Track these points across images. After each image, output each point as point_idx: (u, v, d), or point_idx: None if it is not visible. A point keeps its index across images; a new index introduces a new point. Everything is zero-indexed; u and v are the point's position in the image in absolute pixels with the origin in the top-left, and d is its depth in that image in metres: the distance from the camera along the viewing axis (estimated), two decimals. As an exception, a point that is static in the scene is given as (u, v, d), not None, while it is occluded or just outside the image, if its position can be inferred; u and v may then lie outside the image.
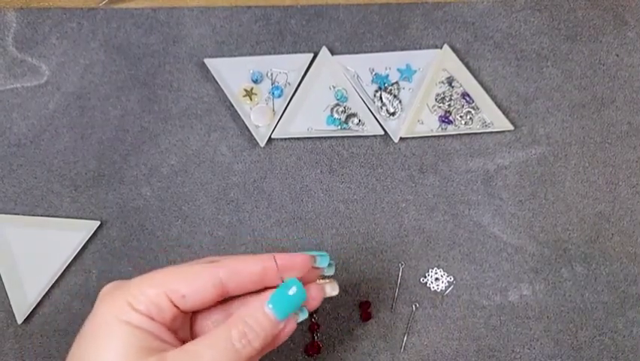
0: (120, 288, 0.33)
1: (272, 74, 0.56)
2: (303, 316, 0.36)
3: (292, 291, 0.34)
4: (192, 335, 0.36)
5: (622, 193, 0.55)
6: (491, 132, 0.56)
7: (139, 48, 0.56)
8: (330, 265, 0.38)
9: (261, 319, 0.34)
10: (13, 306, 0.51)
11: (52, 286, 0.52)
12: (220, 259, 0.35)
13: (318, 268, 0.37)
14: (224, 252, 0.53)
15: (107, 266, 0.53)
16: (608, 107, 0.57)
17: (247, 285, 0.35)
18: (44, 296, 0.52)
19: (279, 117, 0.55)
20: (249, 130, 0.55)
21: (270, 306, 0.34)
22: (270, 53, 0.56)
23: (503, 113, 0.55)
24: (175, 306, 0.33)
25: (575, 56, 0.58)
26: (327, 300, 0.53)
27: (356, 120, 0.55)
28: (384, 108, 0.56)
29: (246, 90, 0.56)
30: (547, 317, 0.53)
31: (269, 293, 0.34)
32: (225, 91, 0.55)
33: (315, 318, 0.52)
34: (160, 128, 0.55)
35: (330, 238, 0.54)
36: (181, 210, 0.54)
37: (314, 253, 0.37)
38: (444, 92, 0.56)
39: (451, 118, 0.56)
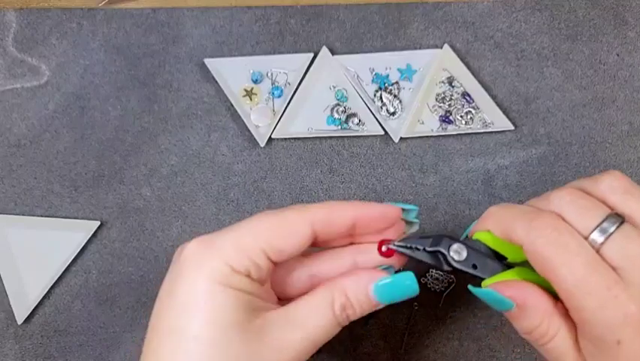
0: (211, 247, 0.30)
1: (272, 74, 0.56)
2: None
3: (405, 285, 0.32)
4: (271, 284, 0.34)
5: (622, 193, 0.55)
6: (492, 132, 0.56)
7: (139, 48, 0.56)
8: (416, 219, 0.36)
9: (364, 300, 0.32)
10: (13, 306, 0.51)
11: (53, 287, 0.52)
12: (310, 207, 0.32)
13: (406, 221, 0.36)
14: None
15: (107, 266, 0.53)
16: (608, 107, 0.57)
17: (335, 237, 0.34)
18: (44, 297, 0.52)
19: (279, 117, 0.55)
20: (249, 130, 0.55)
21: (375, 295, 0.32)
22: (270, 53, 0.56)
23: (504, 112, 0.55)
24: (272, 262, 0.31)
25: (575, 55, 0.58)
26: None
27: (356, 120, 0.55)
28: (384, 108, 0.56)
29: (246, 90, 0.55)
30: (548, 317, 0.53)
31: (375, 275, 0.33)
32: (225, 91, 0.55)
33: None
34: (160, 129, 0.55)
35: (331, 238, 0.54)
36: (181, 211, 0.54)
37: (403, 205, 0.35)
38: (444, 92, 0.56)
39: (451, 118, 0.56)
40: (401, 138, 0.55)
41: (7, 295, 0.51)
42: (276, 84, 0.56)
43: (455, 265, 0.33)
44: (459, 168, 0.55)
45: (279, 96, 0.56)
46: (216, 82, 0.55)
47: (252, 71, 0.56)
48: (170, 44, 0.57)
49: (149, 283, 0.53)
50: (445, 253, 0.33)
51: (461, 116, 0.56)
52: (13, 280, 0.52)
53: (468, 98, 0.56)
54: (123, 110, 0.55)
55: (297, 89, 0.56)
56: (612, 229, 0.29)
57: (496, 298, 0.32)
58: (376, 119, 0.55)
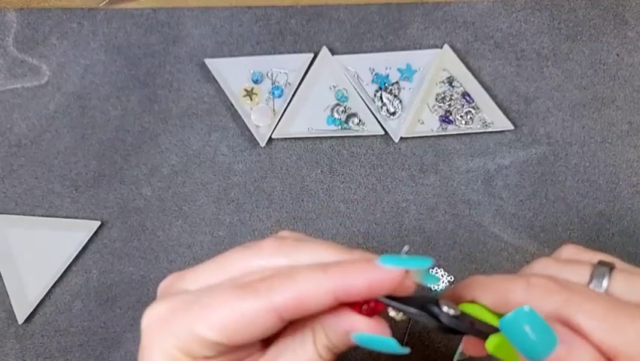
0: (167, 329, 0.27)
1: (272, 74, 0.56)
2: None
3: (387, 345, 0.27)
4: None
5: (622, 193, 0.55)
6: (492, 132, 0.56)
7: (139, 48, 0.56)
8: (434, 277, 0.30)
9: (346, 342, 0.28)
10: (13, 306, 0.51)
11: (53, 286, 0.52)
12: (276, 291, 0.25)
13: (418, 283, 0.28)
14: (224, 251, 0.53)
15: (108, 266, 0.53)
16: (608, 107, 0.57)
17: (311, 314, 0.27)
18: (45, 296, 0.52)
19: (279, 117, 0.55)
20: (249, 130, 0.55)
21: (358, 342, 0.27)
22: (270, 53, 0.57)
23: (504, 112, 0.55)
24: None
25: (575, 55, 0.58)
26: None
27: (356, 120, 0.56)
28: (384, 108, 0.56)
29: (246, 90, 0.56)
30: (548, 316, 0.53)
31: (355, 324, 0.27)
32: (226, 91, 0.55)
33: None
34: (160, 129, 0.55)
35: (330, 238, 0.54)
36: (181, 210, 0.54)
37: (409, 262, 0.26)
38: (444, 92, 0.56)
39: (451, 118, 0.56)
40: (401, 138, 0.55)
41: (7, 295, 0.51)
42: (277, 84, 0.56)
43: (451, 320, 0.28)
44: (459, 168, 0.55)
45: (280, 96, 0.56)
46: (217, 82, 0.55)
47: (252, 71, 0.56)
48: (170, 44, 0.57)
49: (149, 282, 0.53)
50: (437, 308, 0.28)
51: (461, 116, 0.56)
52: (13, 280, 0.52)
53: (468, 98, 0.56)
54: (123, 110, 0.55)
55: (297, 89, 0.56)
56: (605, 278, 0.28)
57: (541, 327, 0.25)
58: (376, 119, 0.55)
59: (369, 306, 0.27)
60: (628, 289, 0.27)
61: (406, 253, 0.27)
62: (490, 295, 0.29)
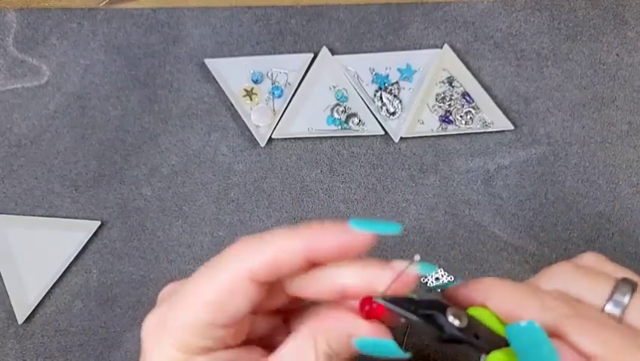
0: (163, 330, 0.28)
1: (272, 74, 0.56)
2: None
3: (388, 349, 0.27)
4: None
5: (622, 193, 0.55)
6: (491, 132, 0.56)
7: (139, 48, 0.56)
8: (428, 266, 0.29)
9: (348, 349, 0.27)
10: (13, 306, 0.51)
11: (53, 286, 0.52)
12: (246, 256, 0.26)
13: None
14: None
15: (108, 266, 0.53)
16: (608, 107, 0.57)
17: (292, 276, 0.28)
18: (45, 296, 0.52)
19: (279, 117, 0.55)
20: (249, 130, 0.55)
21: (359, 348, 0.27)
22: (270, 53, 0.57)
23: (503, 112, 0.55)
24: (230, 326, 0.27)
25: (575, 55, 0.58)
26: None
27: (356, 120, 0.56)
28: (384, 108, 0.56)
29: (246, 90, 0.56)
30: (548, 316, 0.53)
31: (356, 329, 0.27)
32: (225, 91, 0.55)
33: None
34: (160, 129, 0.55)
35: (331, 237, 0.54)
36: (181, 210, 0.54)
37: (380, 227, 0.27)
38: (444, 92, 0.57)
39: (451, 118, 0.56)
40: (401, 138, 0.55)
41: (7, 295, 0.51)
42: (277, 84, 0.56)
43: (455, 332, 0.27)
44: (459, 168, 0.55)
45: (280, 96, 0.56)
46: (216, 82, 0.55)
47: (252, 71, 0.56)
48: (170, 44, 0.57)
49: (149, 282, 0.53)
50: (443, 317, 0.27)
51: (461, 116, 0.56)
52: (13, 280, 0.52)
53: (468, 98, 0.56)
54: (123, 110, 0.55)
55: (297, 89, 0.56)
56: (627, 297, 0.27)
57: (547, 347, 0.26)
58: (376, 119, 0.55)
59: (371, 307, 0.27)
60: None
61: (418, 261, 0.27)
62: (502, 305, 0.28)
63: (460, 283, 0.30)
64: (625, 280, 0.28)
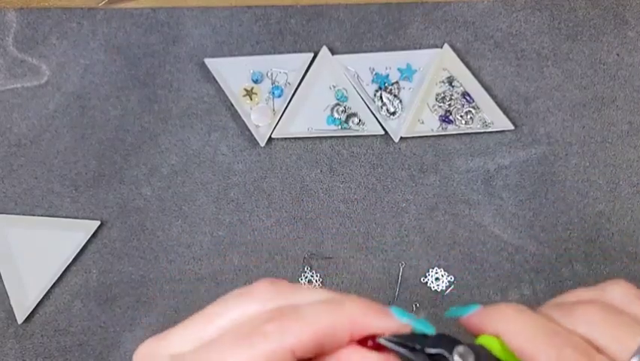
0: None
1: (272, 74, 0.56)
2: None
3: None
4: None
5: (622, 193, 0.55)
6: (492, 132, 0.56)
7: (139, 48, 0.56)
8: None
9: None
10: (13, 306, 0.51)
11: (53, 286, 0.52)
12: (291, 328, 0.24)
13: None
14: (224, 251, 0.53)
15: (108, 266, 0.53)
16: (608, 107, 0.57)
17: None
18: (45, 296, 0.52)
19: (279, 117, 0.55)
20: (249, 130, 0.55)
21: None
22: (270, 53, 0.56)
23: (504, 112, 0.55)
24: None
25: (575, 55, 0.58)
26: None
27: (356, 120, 0.55)
28: (384, 108, 0.56)
29: (246, 90, 0.56)
30: (548, 316, 0.53)
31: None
32: (225, 91, 0.55)
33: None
34: (160, 128, 0.55)
35: (330, 237, 0.54)
36: (181, 210, 0.54)
37: (419, 324, 0.26)
38: (444, 92, 0.56)
39: (451, 118, 0.56)
40: (401, 138, 0.55)
41: (7, 295, 0.51)
42: (276, 84, 0.56)
43: None
44: (459, 167, 0.55)
45: (279, 96, 0.56)
46: (216, 82, 0.55)
47: (252, 71, 0.56)
48: (170, 44, 0.57)
49: (149, 282, 0.53)
50: (449, 357, 0.26)
51: (461, 116, 0.56)
52: (13, 280, 0.52)
53: (468, 97, 0.56)
54: (123, 109, 0.55)
55: (297, 88, 0.56)
56: None
57: None
58: (376, 118, 0.55)
59: (374, 342, 0.26)
60: None
61: (424, 317, 0.27)
62: (516, 341, 0.27)
63: (478, 310, 0.29)
64: None
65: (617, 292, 0.29)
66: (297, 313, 0.24)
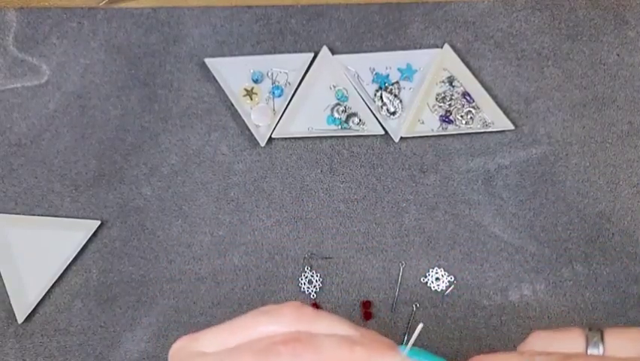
0: None
1: (272, 74, 0.56)
2: None
3: None
4: None
5: (623, 193, 0.55)
6: (492, 132, 0.56)
7: (139, 48, 0.56)
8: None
9: None
10: (13, 305, 0.51)
11: (53, 286, 0.52)
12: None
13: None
14: (224, 251, 0.53)
15: (108, 266, 0.53)
16: (608, 107, 0.57)
17: None
18: (45, 296, 0.52)
19: (279, 117, 0.55)
20: (249, 130, 0.55)
21: None
22: (270, 53, 0.56)
23: (504, 112, 0.55)
24: None
25: (575, 55, 0.58)
26: (329, 299, 0.53)
27: (356, 120, 0.55)
28: (384, 108, 0.56)
29: (246, 90, 0.56)
30: (548, 316, 0.53)
31: None
32: (226, 91, 0.55)
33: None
34: (160, 128, 0.55)
35: (331, 237, 0.54)
36: (181, 210, 0.54)
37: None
38: (444, 92, 0.56)
39: (451, 118, 0.56)
40: (401, 138, 0.55)
41: (7, 295, 0.51)
42: (277, 84, 0.56)
43: None
44: (459, 167, 0.55)
45: (280, 96, 0.56)
46: (217, 81, 0.55)
47: (252, 71, 0.56)
48: (170, 44, 0.57)
49: (149, 282, 0.53)
50: None
51: (461, 116, 0.56)
52: (13, 280, 0.52)
53: (468, 97, 0.56)
54: (123, 109, 0.55)
55: (297, 88, 0.56)
56: (599, 341, 0.28)
57: None
58: (376, 118, 0.55)
59: None
60: (622, 343, 0.28)
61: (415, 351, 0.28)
62: None
63: None
64: (590, 329, 0.29)
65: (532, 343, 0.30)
66: (312, 341, 0.26)
